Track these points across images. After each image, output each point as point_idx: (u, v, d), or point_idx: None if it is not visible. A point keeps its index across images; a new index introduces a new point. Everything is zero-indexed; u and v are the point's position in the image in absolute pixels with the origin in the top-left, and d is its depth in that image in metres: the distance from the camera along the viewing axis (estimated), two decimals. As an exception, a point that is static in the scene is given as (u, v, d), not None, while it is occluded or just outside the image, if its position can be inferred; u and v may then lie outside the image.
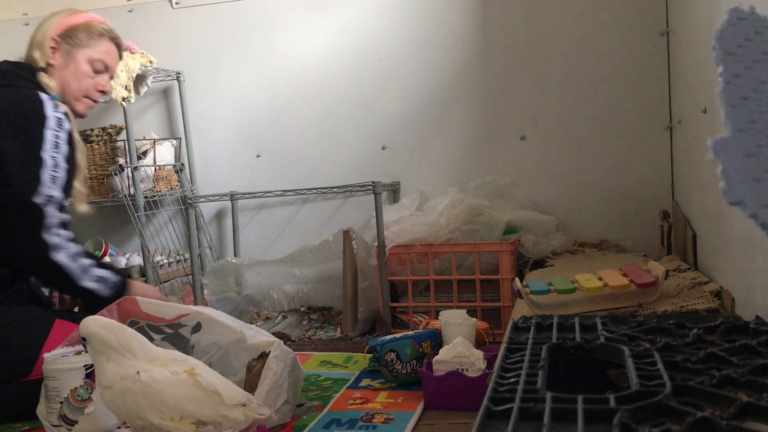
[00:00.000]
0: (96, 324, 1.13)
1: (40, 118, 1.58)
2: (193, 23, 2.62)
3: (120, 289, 1.65)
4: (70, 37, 1.72)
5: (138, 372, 1.09)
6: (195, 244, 2.34)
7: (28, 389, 1.48)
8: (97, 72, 1.75)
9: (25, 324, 1.56)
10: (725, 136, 0.70)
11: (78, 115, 1.76)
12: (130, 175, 2.31)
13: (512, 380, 0.77)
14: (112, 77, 1.82)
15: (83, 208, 1.76)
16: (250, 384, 1.34)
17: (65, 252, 1.58)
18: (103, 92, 1.78)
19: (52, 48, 1.71)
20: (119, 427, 1.40)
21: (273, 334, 1.66)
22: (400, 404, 1.43)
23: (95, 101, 1.78)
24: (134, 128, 2.36)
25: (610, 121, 2.26)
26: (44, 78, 1.68)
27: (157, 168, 2.45)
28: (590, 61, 2.27)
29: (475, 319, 1.59)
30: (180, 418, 1.08)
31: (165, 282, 2.35)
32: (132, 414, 1.09)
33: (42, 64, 1.69)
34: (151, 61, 2.39)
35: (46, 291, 1.76)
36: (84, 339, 1.13)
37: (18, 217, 1.56)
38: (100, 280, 1.64)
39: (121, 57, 1.85)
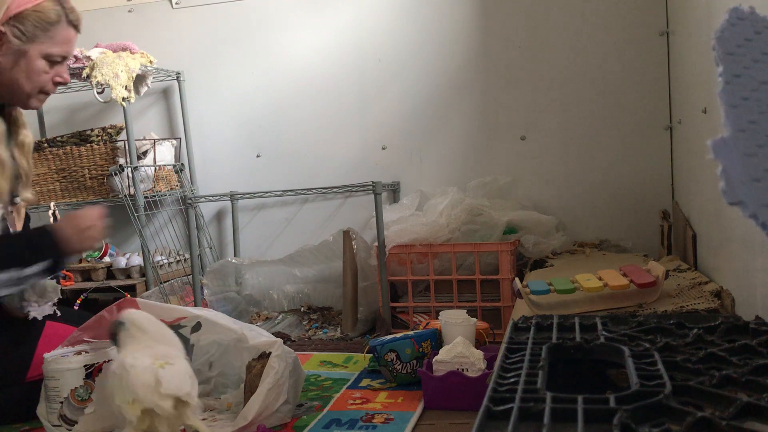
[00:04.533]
0: (139, 314, 1.23)
1: None
2: (193, 23, 2.62)
3: (49, 250, 1.40)
4: (17, 28, 1.38)
5: (125, 359, 1.13)
6: (195, 244, 2.34)
7: (27, 391, 1.47)
8: (53, 64, 1.45)
9: (15, 328, 1.51)
10: (725, 136, 0.70)
11: (30, 108, 1.51)
12: (130, 175, 2.31)
13: (512, 380, 0.77)
14: (68, 59, 1.51)
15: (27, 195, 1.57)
16: (249, 384, 1.35)
17: None
18: (61, 83, 1.49)
19: None
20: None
21: (273, 334, 1.66)
22: (400, 404, 1.43)
23: (50, 93, 1.51)
24: (134, 128, 2.36)
25: (610, 122, 2.26)
26: None
27: (157, 168, 2.45)
28: (590, 61, 2.27)
29: (475, 319, 1.59)
30: (132, 402, 1.09)
31: (165, 282, 2.35)
32: (108, 396, 1.15)
33: None
34: (151, 61, 2.39)
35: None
36: (121, 323, 1.18)
37: None
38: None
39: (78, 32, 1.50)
